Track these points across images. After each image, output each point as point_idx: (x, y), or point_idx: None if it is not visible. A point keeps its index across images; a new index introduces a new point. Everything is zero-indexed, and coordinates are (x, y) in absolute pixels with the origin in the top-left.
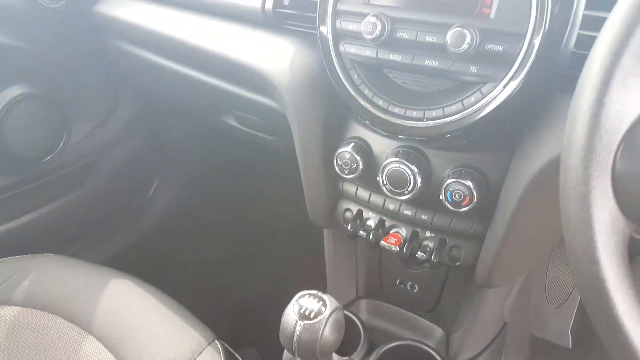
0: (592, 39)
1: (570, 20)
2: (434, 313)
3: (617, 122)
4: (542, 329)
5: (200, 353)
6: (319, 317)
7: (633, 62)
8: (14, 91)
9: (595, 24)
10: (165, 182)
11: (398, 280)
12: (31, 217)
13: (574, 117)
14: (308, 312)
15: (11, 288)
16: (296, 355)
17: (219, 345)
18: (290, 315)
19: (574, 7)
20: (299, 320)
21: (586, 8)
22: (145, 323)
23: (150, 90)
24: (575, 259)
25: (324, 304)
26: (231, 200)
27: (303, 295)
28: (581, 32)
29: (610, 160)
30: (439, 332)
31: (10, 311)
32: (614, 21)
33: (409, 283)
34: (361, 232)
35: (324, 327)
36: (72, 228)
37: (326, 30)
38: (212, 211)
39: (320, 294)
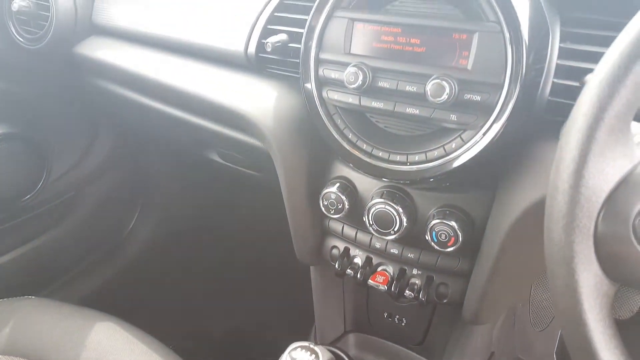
0: (567, 87)
1: (545, 70)
2: (422, 346)
3: (597, 191)
4: (527, 352)
5: None
6: None
7: (608, 134)
8: None
9: (568, 73)
10: (145, 216)
11: (386, 314)
12: (10, 257)
13: (555, 187)
14: None
15: None
16: None
17: None
18: None
19: (548, 57)
20: None
21: (559, 58)
22: None
23: (129, 126)
24: (563, 320)
25: (317, 357)
26: (214, 235)
27: (295, 348)
28: (555, 80)
29: (592, 226)
30: None
31: None
32: (588, 95)
33: (397, 316)
34: (349, 271)
35: None
36: (52, 266)
37: (309, 77)
38: (194, 246)
39: (312, 345)
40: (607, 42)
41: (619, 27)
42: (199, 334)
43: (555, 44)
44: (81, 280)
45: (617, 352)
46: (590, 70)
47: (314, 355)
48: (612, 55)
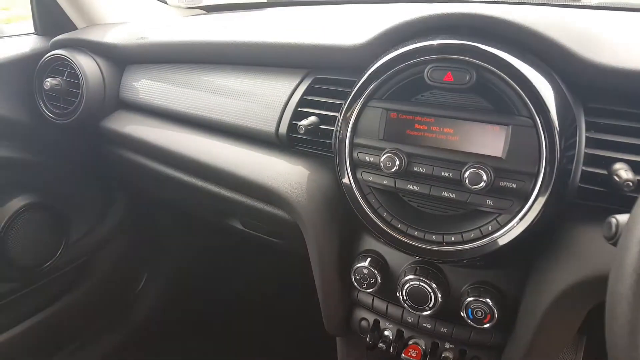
0: (595, 174)
1: (575, 158)
2: None
3: None
4: None
5: None
6: None
7: None
8: (18, 203)
9: (596, 161)
10: (153, 278)
11: None
12: (30, 323)
13: (618, 293)
14: None
15: None
16: None
17: None
18: None
19: (577, 145)
20: None
21: (586, 146)
22: None
23: (145, 192)
24: None
25: None
26: (225, 296)
27: None
28: (584, 168)
29: None
30: None
31: None
32: (632, 252)
33: None
34: (380, 345)
35: None
36: (68, 329)
37: (344, 159)
38: (204, 307)
39: None
40: (629, 132)
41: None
42: None
43: (582, 134)
44: (94, 343)
45: None
46: (617, 159)
47: None
48: None
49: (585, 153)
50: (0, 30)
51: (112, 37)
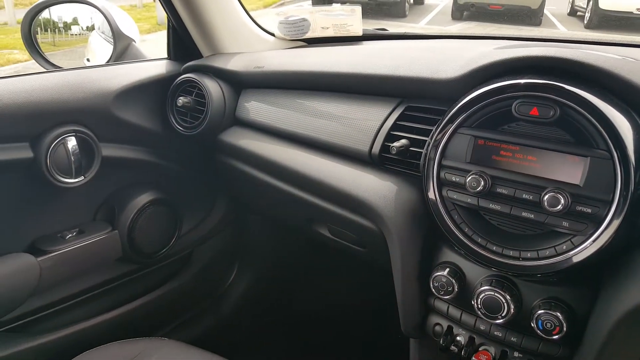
0: None
1: None
2: None
3: None
4: None
5: None
6: None
7: None
8: (146, 197)
9: None
10: (243, 272)
11: None
12: (142, 302)
13: None
14: None
15: None
16: None
17: None
18: None
19: None
20: None
21: None
22: None
23: (244, 198)
24: None
25: None
26: (304, 298)
27: None
28: None
29: None
30: None
31: None
32: None
33: None
34: (452, 347)
35: None
36: (170, 310)
37: (431, 178)
38: (286, 303)
39: None
40: None
41: None
42: None
43: None
44: (191, 325)
45: None
46: None
47: None
48: None
49: None
50: (142, 54)
51: (233, 64)
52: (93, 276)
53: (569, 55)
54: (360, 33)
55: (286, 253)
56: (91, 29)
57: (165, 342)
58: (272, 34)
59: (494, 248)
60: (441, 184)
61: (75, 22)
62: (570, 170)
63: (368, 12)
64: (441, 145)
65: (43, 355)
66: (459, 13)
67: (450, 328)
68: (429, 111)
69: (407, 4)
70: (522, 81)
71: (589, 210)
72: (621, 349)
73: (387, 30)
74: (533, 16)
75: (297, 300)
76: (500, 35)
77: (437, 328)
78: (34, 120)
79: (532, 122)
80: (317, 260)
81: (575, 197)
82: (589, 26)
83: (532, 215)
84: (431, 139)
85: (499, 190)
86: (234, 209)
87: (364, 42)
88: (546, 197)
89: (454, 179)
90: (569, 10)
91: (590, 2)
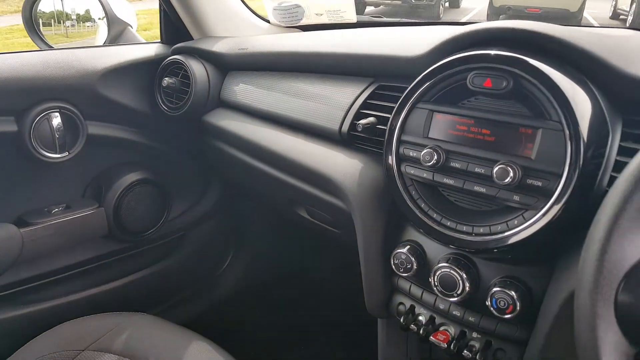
0: None
1: (603, 165)
2: None
3: (617, 265)
4: None
5: None
6: None
7: (629, 221)
8: (132, 177)
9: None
10: (237, 258)
11: None
12: (127, 280)
13: (584, 260)
14: None
15: (112, 339)
16: None
17: None
18: None
19: (606, 154)
20: None
21: (618, 154)
22: None
23: (235, 182)
24: None
25: None
26: (296, 279)
27: None
28: (613, 174)
29: (613, 294)
30: None
31: (110, 358)
32: (616, 190)
33: None
34: (412, 326)
35: None
36: (160, 291)
37: (391, 154)
38: (278, 286)
39: None
40: None
41: None
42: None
43: (615, 143)
44: (182, 307)
45: None
46: None
47: None
48: (634, 163)
49: (616, 160)
50: (137, 38)
51: (219, 47)
52: (80, 252)
53: (522, 26)
54: (354, 20)
55: (280, 239)
56: (101, 19)
57: (143, 317)
58: (268, 21)
59: (448, 224)
60: (400, 159)
61: (87, 14)
62: (523, 143)
63: (401, 15)
64: (400, 119)
65: (24, 324)
66: (495, 16)
67: (412, 307)
68: (399, 90)
69: (441, 7)
70: (473, 53)
71: (540, 184)
72: (568, 330)
73: (382, 17)
74: (572, 19)
75: (289, 286)
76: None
77: (401, 307)
78: (20, 96)
79: (489, 96)
80: (308, 246)
81: (526, 171)
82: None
83: (484, 189)
84: (393, 114)
85: (452, 164)
86: (228, 193)
87: (357, 29)
88: (496, 169)
89: (411, 154)
90: (611, 14)
91: (634, 5)
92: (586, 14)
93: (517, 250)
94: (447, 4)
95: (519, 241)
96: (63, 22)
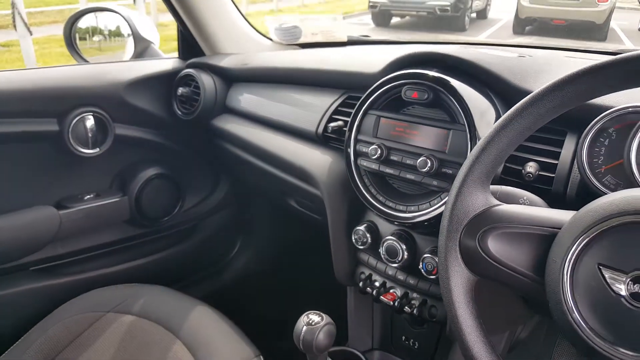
0: (512, 169)
1: None
2: None
3: (462, 216)
4: None
5: None
6: (317, 325)
7: (473, 185)
8: (151, 172)
9: (515, 160)
10: (244, 246)
11: (404, 337)
12: (148, 260)
13: (443, 212)
14: (311, 321)
15: (130, 304)
16: (301, 347)
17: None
18: (300, 321)
19: None
20: (305, 325)
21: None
22: (214, 339)
23: (240, 178)
24: (442, 290)
25: (322, 319)
26: (294, 262)
27: (310, 312)
28: (506, 164)
29: (458, 236)
30: None
31: (128, 318)
32: (465, 163)
33: (412, 340)
34: (368, 289)
35: (319, 331)
36: (175, 272)
37: (350, 150)
38: (279, 270)
39: (321, 313)
40: (540, 140)
41: None
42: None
43: None
44: (195, 287)
45: (472, 310)
46: (529, 159)
47: (321, 317)
48: (476, 148)
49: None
50: (159, 53)
51: (225, 62)
52: (106, 233)
53: (443, 51)
54: (344, 39)
55: (282, 228)
56: (129, 35)
57: (157, 287)
58: (270, 39)
59: (390, 204)
60: (356, 154)
61: (118, 30)
62: (440, 140)
63: (428, 25)
64: (356, 123)
65: (60, 291)
66: (520, 27)
67: (370, 275)
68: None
69: (467, 17)
70: (404, 72)
71: (451, 172)
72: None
73: (369, 37)
74: (598, 31)
75: (289, 269)
76: (462, 41)
77: (362, 275)
78: (61, 102)
79: (419, 104)
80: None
81: (441, 162)
82: None
83: (413, 177)
84: (351, 118)
85: (392, 157)
86: (236, 190)
87: (348, 47)
88: (419, 161)
89: (363, 150)
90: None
91: None
92: (614, 25)
93: (436, 222)
94: (474, 15)
95: (435, 215)
96: (97, 37)
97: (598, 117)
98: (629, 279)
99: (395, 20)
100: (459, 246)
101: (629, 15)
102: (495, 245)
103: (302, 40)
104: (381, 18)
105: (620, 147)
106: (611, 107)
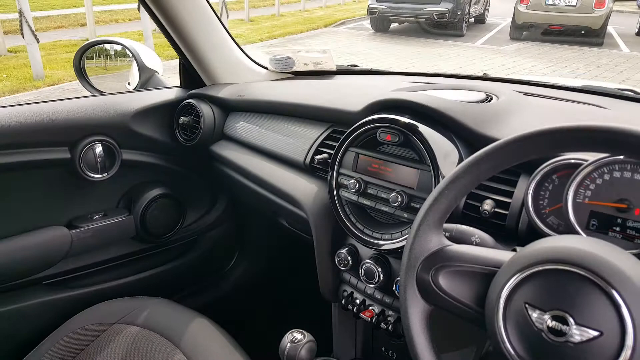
0: (471, 205)
1: None
2: None
3: (418, 254)
4: None
5: None
6: (300, 342)
7: (429, 228)
8: (155, 192)
9: (475, 197)
10: (241, 259)
11: (383, 349)
12: (152, 273)
13: (403, 251)
14: (294, 339)
15: (135, 316)
16: None
17: None
18: (285, 339)
19: None
20: (289, 343)
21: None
22: (212, 350)
23: (236, 197)
24: (402, 316)
25: (304, 337)
26: (287, 276)
27: (294, 330)
28: (467, 200)
29: (415, 272)
30: None
31: (134, 329)
32: (421, 209)
33: (390, 351)
34: (350, 307)
35: (301, 348)
36: (177, 283)
37: (333, 182)
38: (275, 285)
39: (304, 332)
40: (498, 180)
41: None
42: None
43: None
44: (194, 297)
45: (426, 333)
46: (486, 197)
47: (303, 336)
48: (429, 198)
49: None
50: (163, 82)
51: (223, 93)
52: (114, 250)
53: (414, 99)
54: (334, 68)
55: (277, 247)
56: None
57: (161, 300)
58: (266, 68)
59: (367, 232)
60: (338, 186)
61: (123, 51)
62: (410, 178)
63: (427, 30)
64: (338, 158)
65: (70, 303)
66: (517, 33)
67: (352, 293)
68: (344, 134)
69: (465, 23)
70: (378, 116)
71: (418, 206)
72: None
73: (358, 66)
74: (594, 37)
75: (283, 281)
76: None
77: (344, 293)
78: (72, 131)
79: (393, 145)
80: (296, 253)
81: (410, 197)
82: None
83: (387, 209)
84: (334, 154)
85: (369, 190)
86: (233, 207)
87: (337, 76)
88: (391, 195)
89: (344, 182)
90: (637, 30)
91: None
92: (611, 29)
93: None
94: (472, 20)
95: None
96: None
97: (543, 165)
98: (547, 317)
99: (393, 25)
100: (415, 280)
101: (626, 19)
102: (445, 281)
103: (295, 69)
104: (380, 24)
105: (560, 193)
106: (555, 157)
